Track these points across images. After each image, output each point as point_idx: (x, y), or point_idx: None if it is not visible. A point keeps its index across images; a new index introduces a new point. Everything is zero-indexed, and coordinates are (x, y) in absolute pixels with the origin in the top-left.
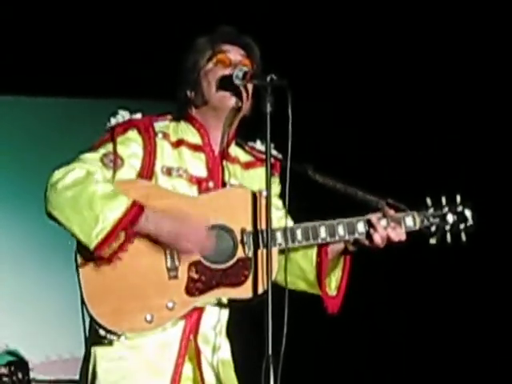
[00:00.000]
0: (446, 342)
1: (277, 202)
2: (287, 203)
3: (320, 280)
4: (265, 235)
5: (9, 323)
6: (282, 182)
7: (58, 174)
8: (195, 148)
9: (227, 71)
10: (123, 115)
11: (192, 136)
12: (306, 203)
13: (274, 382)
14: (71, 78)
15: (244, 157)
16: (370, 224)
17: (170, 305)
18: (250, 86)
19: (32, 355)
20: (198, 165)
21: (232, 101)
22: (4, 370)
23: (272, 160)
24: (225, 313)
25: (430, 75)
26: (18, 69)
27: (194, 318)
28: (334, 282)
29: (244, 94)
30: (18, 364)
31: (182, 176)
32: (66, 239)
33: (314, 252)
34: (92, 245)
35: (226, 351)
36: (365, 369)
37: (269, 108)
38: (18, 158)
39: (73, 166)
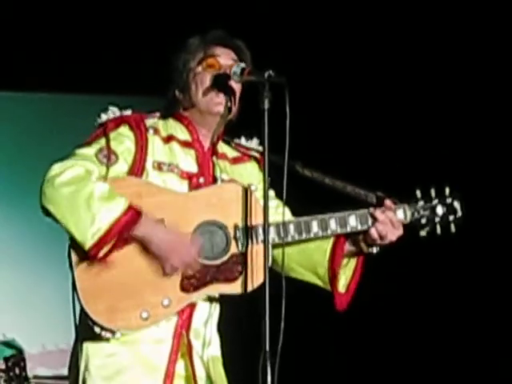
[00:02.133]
0: (443, 337)
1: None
2: (284, 199)
3: (332, 275)
4: (259, 231)
5: (6, 313)
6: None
7: (56, 168)
8: (185, 144)
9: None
10: (114, 111)
11: (181, 133)
12: (297, 199)
13: (271, 379)
14: (65, 73)
15: (231, 153)
16: (372, 217)
17: (166, 302)
18: (238, 90)
19: (29, 345)
20: (188, 160)
21: (219, 107)
22: (1, 366)
23: (257, 155)
24: (216, 308)
25: (420, 67)
26: (10, 65)
27: (186, 313)
28: (343, 280)
29: (232, 99)
30: (15, 360)
31: (173, 171)
32: (62, 232)
33: (328, 246)
34: (87, 245)
35: (216, 347)
36: (361, 363)
37: (266, 105)
38: (13, 154)
39: (71, 163)
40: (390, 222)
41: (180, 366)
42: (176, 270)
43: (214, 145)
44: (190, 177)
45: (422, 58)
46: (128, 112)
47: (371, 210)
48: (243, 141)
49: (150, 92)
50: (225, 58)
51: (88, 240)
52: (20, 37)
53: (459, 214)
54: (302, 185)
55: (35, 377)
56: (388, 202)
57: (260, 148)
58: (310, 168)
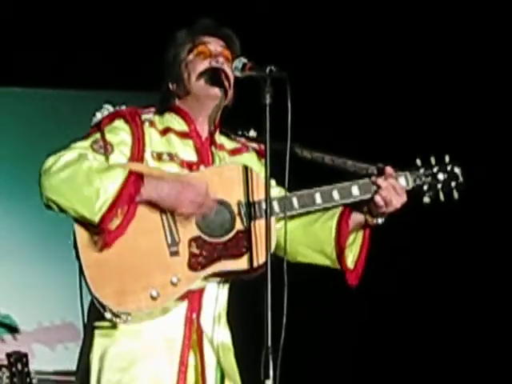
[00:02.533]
0: (451, 316)
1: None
2: (286, 185)
3: (339, 251)
4: (262, 206)
5: (1, 291)
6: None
7: (50, 160)
8: (182, 135)
9: (207, 62)
10: (108, 108)
11: (178, 125)
12: (300, 183)
13: (274, 373)
14: (62, 69)
15: (229, 144)
16: (375, 185)
17: (175, 280)
18: (231, 75)
19: (24, 322)
20: (187, 150)
21: (213, 89)
22: (3, 362)
23: (256, 145)
24: (224, 293)
25: (419, 37)
26: (10, 60)
27: (196, 298)
28: (350, 257)
29: (226, 82)
30: (18, 355)
31: (173, 160)
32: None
33: (333, 223)
34: (96, 218)
35: (226, 335)
36: (367, 346)
37: (268, 99)
38: (13, 150)
39: (64, 152)
40: (392, 188)
41: (190, 354)
42: (191, 214)
43: (211, 135)
44: (190, 165)
45: (421, 30)
46: (123, 107)
47: (373, 178)
48: (252, 133)
49: (149, 87)
50: (214, 45)
51: (96, 213)
52: (21, 34)
53: (460, 179)
54: (301, 169)
55: (37, 372)
56: (389, 169)
57: (255, 134)
58: (308, 148)
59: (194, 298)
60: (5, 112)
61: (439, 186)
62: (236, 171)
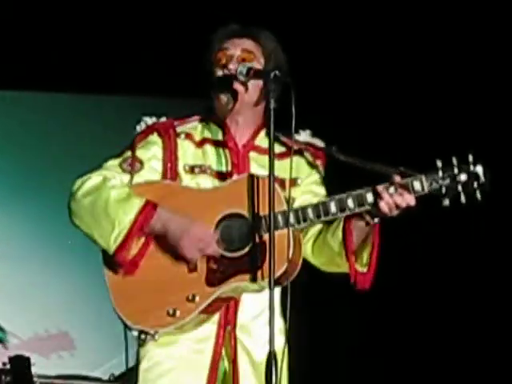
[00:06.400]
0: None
1: (316, 189)
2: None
3: (347, 256)
4: (278, 218)
5: None
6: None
7: (77, 183)
8: (218, 144)
9: (220, 71)
10: (146, 121)
11: (215, 134)
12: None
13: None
14: (82, 73)
15: (277, 148)
16: (375, 193)
17: (191, 297)
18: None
19: (20, 331)
20: (222, 160)
21: (223, 98)
22: (5, 366)
23: (311, 149)
24: (267, 301)
25: (439, 34)
26: (23, 64)
27: (231, 309)
28: (364, 259)
29: (239, 87)
30: (20, 360)
31: (206, 172)
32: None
33: (340, 231)
34: (111, 249)
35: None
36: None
37: (272, 104)
38: (21, 153)
39: (90, 175)
40: (394, 204)
41: (222, 365)
42: (193, 258)
43: (251, 140)
44: (223, 176)
45: (439, 27)
46: (163, 119)
47: (380, 189)
48: (302, 135)
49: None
50: (234, 49)
51: (112, 245)
52: (34, 36)
53: (482, 179)
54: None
55: (39, 376)
56: (396, 178)
57: (316, 141)
58: (343, 152)
59: (227, 310)
60: (9, 116)
61: (459, 187)
62: (251, 183)
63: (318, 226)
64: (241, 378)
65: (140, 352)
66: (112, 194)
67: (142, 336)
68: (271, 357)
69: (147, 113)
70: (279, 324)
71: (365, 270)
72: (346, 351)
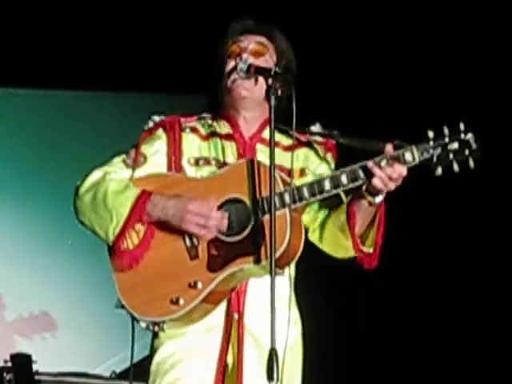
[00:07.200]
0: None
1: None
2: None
3: (352, 237)
4: (276, 200)
5: None
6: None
7: (80, 180)
8: (226, 137)
9: (233, 62)
10: (154, 120)
11: (224, 128)
12: None
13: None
14: (82, 72)
15: (286, 141)
16: (366, 169)
17: (193, 283)
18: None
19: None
20: (228, 152)
21: (239, 90)
22: (7, 364)
23: (321, 139)
24: (279, 290)
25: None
26: (22, 63)
27: (238, 298)
28: (369, 239)
29: (248, 82)
30: (21, 359)
31: (211, 163)
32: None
33: (344, 213)
34: (110, 241)
35: (290, 334)
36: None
37: (273, 101)
38: (21, 153)
39: (92, 171)
40: (387, 177)
41: (228, 356)
42: (199, 234)
43: (258, 133)
44: None
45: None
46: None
47: (370, 164)
48: (317, 127)
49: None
50: (247, 42)
51: (110, 236)
52: (45, 33)
53: (473, 146)
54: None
55: (41, 373)
56: (389, 148)
57: (325, 131)
58: (346, 135)
59: (234, 299)
60: (15, 114)
61: (451, 156)
62: (248, 168)
63: (325, 213)
64: (245, 367)
65: (153, 344)
66: (110, 187)
67: (150, 327)
68: (272, 353)
69: (152, 111)
70: (294, 315)
71: (370, 250)
72: (362, 341)
